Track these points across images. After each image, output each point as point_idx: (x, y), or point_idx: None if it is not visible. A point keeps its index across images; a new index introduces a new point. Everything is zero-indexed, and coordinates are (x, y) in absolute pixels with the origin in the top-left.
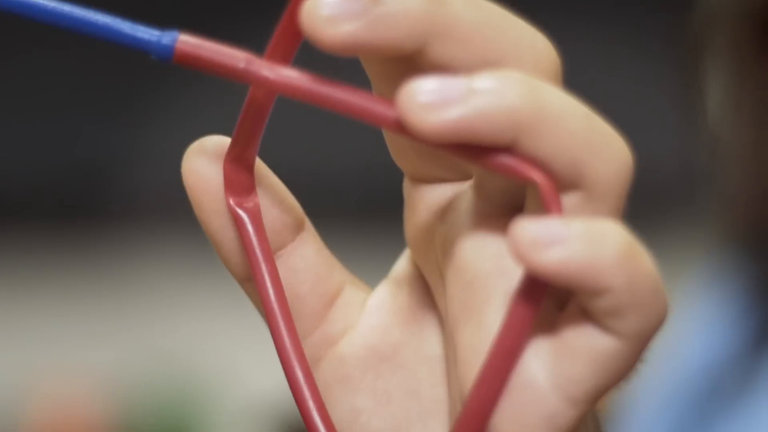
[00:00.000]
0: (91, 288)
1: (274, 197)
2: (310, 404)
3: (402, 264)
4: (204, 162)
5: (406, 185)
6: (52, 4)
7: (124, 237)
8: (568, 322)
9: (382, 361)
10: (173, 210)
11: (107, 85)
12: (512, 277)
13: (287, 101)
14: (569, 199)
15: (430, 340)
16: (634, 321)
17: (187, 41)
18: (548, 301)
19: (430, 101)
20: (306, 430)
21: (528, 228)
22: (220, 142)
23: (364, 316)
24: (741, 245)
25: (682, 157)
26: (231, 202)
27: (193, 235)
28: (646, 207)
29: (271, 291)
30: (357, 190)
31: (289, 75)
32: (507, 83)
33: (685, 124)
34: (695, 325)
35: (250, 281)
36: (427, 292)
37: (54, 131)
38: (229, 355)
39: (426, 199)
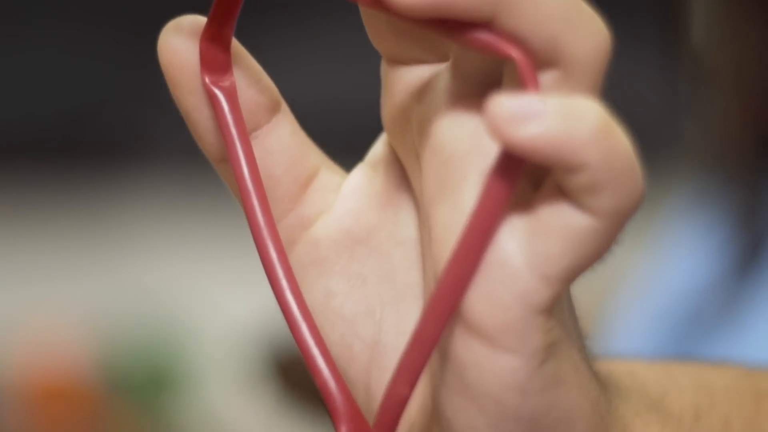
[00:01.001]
0: (73, 224)
1: (251, 77)
2: (284, 284)
3: (378, 148)
4: (180, 40)
5: (384, 68)
6: None
7: (107, 173)
8: (544, 200)
9: (356, 244)
10: (157, 147)
11: (107, 21)
12: (488, 156)
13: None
14: (546, 77)
15: (405, 223)
16: (610, 198)
17: None
18: (523, 181)
19: None
20: (294, 343)
21: (504, 103)
22: (197, 21)
23: (339, 199)
24: (724, 171)
25: (665, 83)
26: (207, 80)
27: (177, 172)
28: (628, 132)
29: (245, 170)
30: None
31: None
32: None
33: (669, 49)
34: (679, 251)
35: (225, 162)
36: (402, 176)
37: (44, 69)
38: (212, 289)
39: (403, 81)
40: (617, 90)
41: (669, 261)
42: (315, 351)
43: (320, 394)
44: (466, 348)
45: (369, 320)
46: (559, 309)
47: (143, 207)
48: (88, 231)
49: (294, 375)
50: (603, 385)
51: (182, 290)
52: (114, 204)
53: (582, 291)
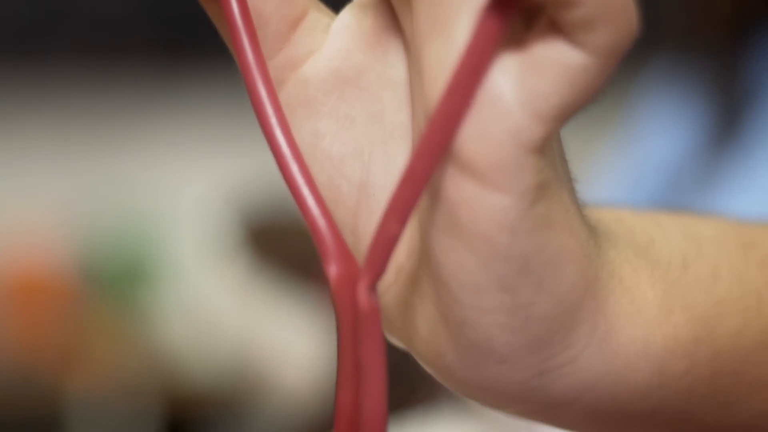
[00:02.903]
0: (50, 120)
1: None
2: (274, 122)
3: None
4: None
5: None
6: None
7: (83, 70)
8: (537, 38)
9: (345, 84)
10: (132, 44)
11: None
12: None
13: None
14: None
15: (394, 64)
16: (604, 34)
17: None
18: (516, 20)
19: None
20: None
21: None
22: None
23: (329, 39)
24: (700, 43)
25: None
26: None
27: (149, 69)
28: None
29: (235, 7)
30: None
31: None
32: None
33: None
34: (656, 122)
35: (214, 1)
36: (392, 16)
37: None
38: (182, 177)
39: None
40: None
41: (645, 132)
42: (305, 190)
43: (309, 232)
44: (457, 187)
45: (357, 161)
46: (550, 150)
47: (116, 102)
48: (64, 127)
49: (266, 241)
50: (592, 230)
51: (154, 182)
52: (88, 99)
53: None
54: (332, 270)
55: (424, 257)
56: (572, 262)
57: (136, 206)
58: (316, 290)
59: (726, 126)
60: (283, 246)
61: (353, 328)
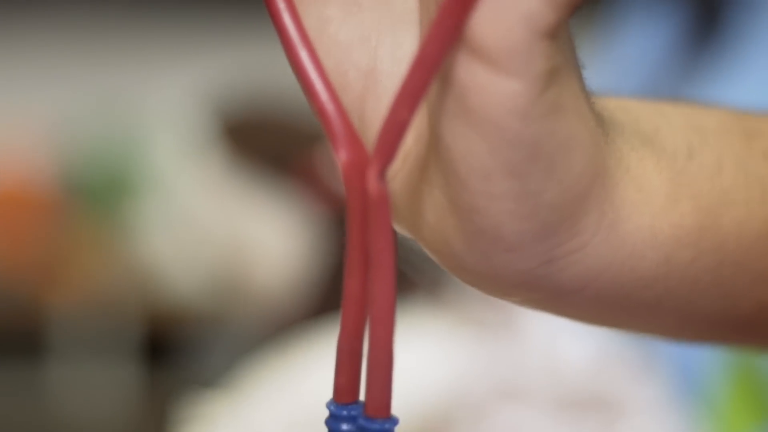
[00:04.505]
0: (33, 32)
1: None
2: (281, 6)
3: None
4: None
5: None
6: None
7: None
8: None
9: None
10: None
11: None
12: None
13: None
14: None
15: None
16: None
17: None
18: None
19: None
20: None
21: None
22: None
23: None
24: None
25: None
26: None
27: None
28: None
29: None
30: None
31: None
32: None
33: None
34: (637, 18)
35: None
36: None
37: None
38: (164, 87)
39: None
40: None
41: (628, 28)
42: (313, 75)
43: (318, 117)
44: (469, 73)
45: (364, 47)
46: (561, 37)
47: (96, 15)
48: (44, 41)
49: (244, 137)
50: (600, 117)
51: (134, 93)
52: (68, 13)
53: None
54: (342, 156)
55: (433, 143)
56: (582, 149)
57: (117, 118)
58: (295, 185)
59: (706, 20)
60: (262, 140)
61: (362, 214)
